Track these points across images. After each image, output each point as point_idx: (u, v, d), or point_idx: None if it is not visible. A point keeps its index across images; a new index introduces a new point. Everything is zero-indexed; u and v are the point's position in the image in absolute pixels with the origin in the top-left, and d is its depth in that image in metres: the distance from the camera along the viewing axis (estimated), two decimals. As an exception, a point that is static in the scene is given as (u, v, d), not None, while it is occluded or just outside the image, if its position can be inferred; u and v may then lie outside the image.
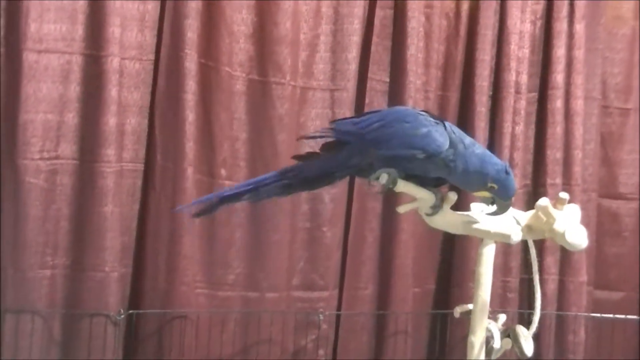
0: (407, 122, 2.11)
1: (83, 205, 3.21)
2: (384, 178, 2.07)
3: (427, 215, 2.14)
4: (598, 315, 3.81)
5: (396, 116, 2.16)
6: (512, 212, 2.17)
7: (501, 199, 2.05)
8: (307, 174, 2.28)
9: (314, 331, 3.55)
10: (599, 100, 3.91)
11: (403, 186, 2.08)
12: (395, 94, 3.61)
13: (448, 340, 3.73)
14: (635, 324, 3.83)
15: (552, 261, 3.77)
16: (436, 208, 2.12)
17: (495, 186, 2.03)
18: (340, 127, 2.29)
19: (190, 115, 3.30)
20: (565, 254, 3.75)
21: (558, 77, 3.79)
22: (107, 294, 3.22)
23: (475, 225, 2.13)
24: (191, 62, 3.29)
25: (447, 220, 2.14)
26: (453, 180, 2.11)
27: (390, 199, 3.38)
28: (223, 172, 3.40)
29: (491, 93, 3.75)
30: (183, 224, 3.29)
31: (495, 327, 2.22)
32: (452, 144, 2.05)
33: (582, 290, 3.80)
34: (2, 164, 3.12)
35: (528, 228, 2.16)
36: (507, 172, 2.03)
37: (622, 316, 3.80)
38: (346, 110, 3.52)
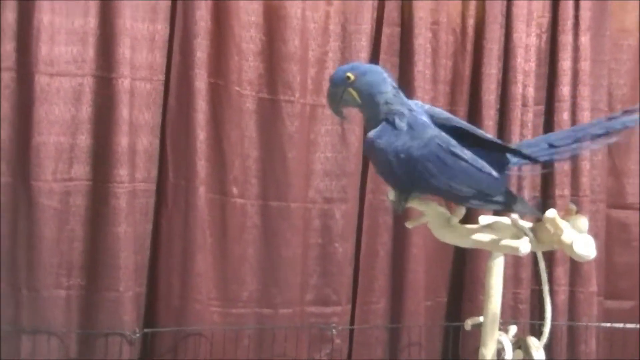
0: None
1: (96, 226, 3.24)
2: (395, 195, 2.10)
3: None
4: (609, 324, 3.82)
5: None
6: (521, 223, 2.19)
7: None
8: None
9: (328, 346, 3.57)
10: (605, 111, 3.90)
11: (412, 202, 2.12)
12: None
13: (460, 352, 3.73)
14: (647, 332, 3.84)
15: (562, 272, 3.78)
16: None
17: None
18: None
19: (201, 134, 3.32)
20: (575, 265, 3.76)
21: (564, 89, 3.80)
22: (122, 313, 3.23)
23: (483, 238, 2.15)
24: (201, 82, 3.31)
25: (456, 234, 2.17)
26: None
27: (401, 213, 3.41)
28: (235, 190, 3.42)
29: (498, 106, 3.76)
30: (196, 241, 3.32)
31: (507, 339, 2.23)
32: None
33: (592, 301, 3.81)
34: (16, 186, 3.15)
35: (537, 240, 2.17)
36: None
37: (634, 325, 3.81)
38: (355, 126, 3.54)
